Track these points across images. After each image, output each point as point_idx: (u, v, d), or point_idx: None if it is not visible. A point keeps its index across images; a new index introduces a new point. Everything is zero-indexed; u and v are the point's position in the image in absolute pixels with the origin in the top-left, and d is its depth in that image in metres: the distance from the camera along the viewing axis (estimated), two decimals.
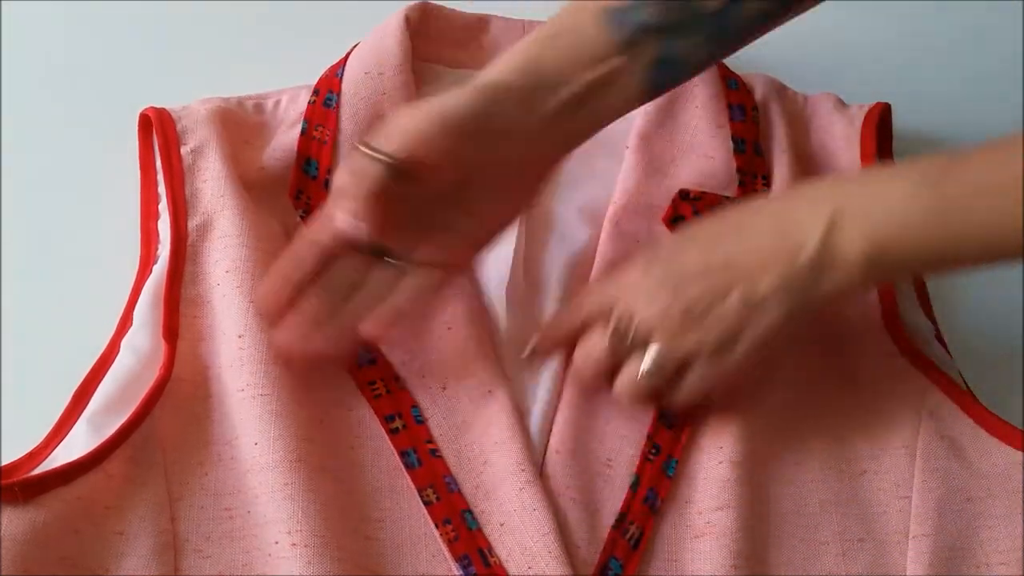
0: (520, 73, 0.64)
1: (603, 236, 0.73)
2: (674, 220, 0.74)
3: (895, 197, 0.61)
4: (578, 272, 0.73)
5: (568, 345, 0.68)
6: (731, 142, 0.76)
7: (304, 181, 0.73)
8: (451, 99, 0.62)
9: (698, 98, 0.77)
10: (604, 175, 0.76)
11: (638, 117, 0.76)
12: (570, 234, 0.74)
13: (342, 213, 0.62)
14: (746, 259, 0.64)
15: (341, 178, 0.63)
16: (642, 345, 0.65)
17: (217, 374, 0.66)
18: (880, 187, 0.62)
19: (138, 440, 0.63)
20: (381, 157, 0.61)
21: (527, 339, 0.69)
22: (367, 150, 0.61)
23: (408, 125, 0.62)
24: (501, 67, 0.64)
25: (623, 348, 0.65)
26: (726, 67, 0.79)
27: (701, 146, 0.76)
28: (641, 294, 0.65)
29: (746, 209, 0.67)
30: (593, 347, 0.66)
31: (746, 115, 0.77)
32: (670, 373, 0.65)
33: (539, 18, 0.80)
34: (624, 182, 0.75)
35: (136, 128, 0.75)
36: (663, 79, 0.66)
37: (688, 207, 0.74)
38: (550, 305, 0.72)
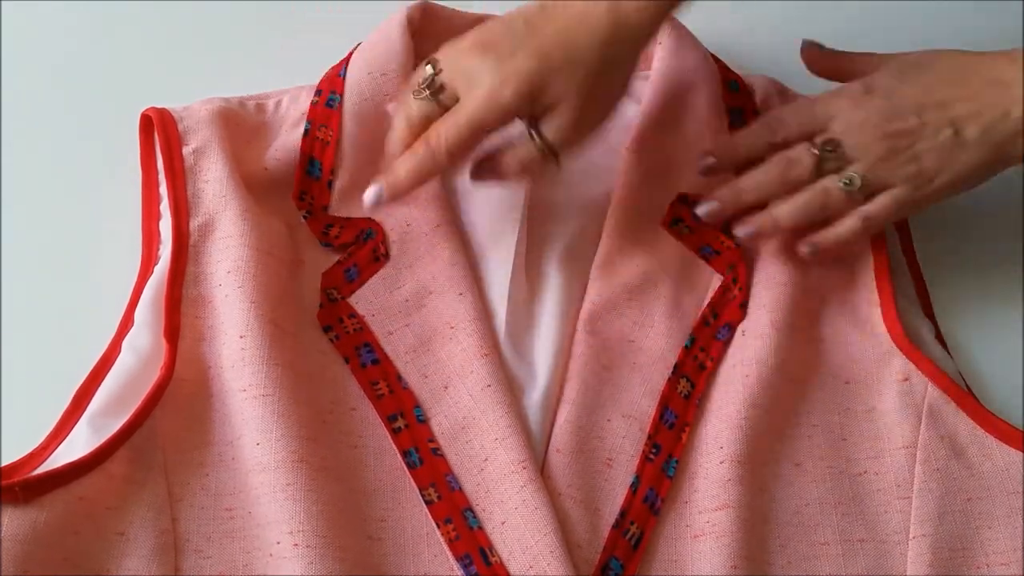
0: None
1: (604, 235, 0.73)
2: (673, 223, 0.74)
3: None
4: (578, 268, 0.73)
5: (756, 159, 0.72)
6: None
7: (308, 182, 0.73)
8: None
9: (698, 104, 0.77)
10: (604, 174, 0.76)
11: (637, 119, 0.76)
12: (570, 232, 0.74)
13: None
14: (961, 104, 0.69)
15: None
16: (843, 167, 0.70)
17: (218, 374, 0.66)
18: None
19: (139, 440, 0.63)
20: None
21: (526, 339, 0.69)
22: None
23: None
24: None
25: (825, 168, 0.70)
26: (727, 68, 0.79)
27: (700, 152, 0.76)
28: (852, 121, 0.70)
29: (956, 58, 0.71)
30: (799, 160, 0.70)
31: (746, 119, 0.77)
32: (861, 196, 0.70)
33: None
34: (623, 186, 0.74)
35: (137, 128, 0.75)
36: None
37: (687, 211, 0.74)
38: (551, 301, 0.71)
